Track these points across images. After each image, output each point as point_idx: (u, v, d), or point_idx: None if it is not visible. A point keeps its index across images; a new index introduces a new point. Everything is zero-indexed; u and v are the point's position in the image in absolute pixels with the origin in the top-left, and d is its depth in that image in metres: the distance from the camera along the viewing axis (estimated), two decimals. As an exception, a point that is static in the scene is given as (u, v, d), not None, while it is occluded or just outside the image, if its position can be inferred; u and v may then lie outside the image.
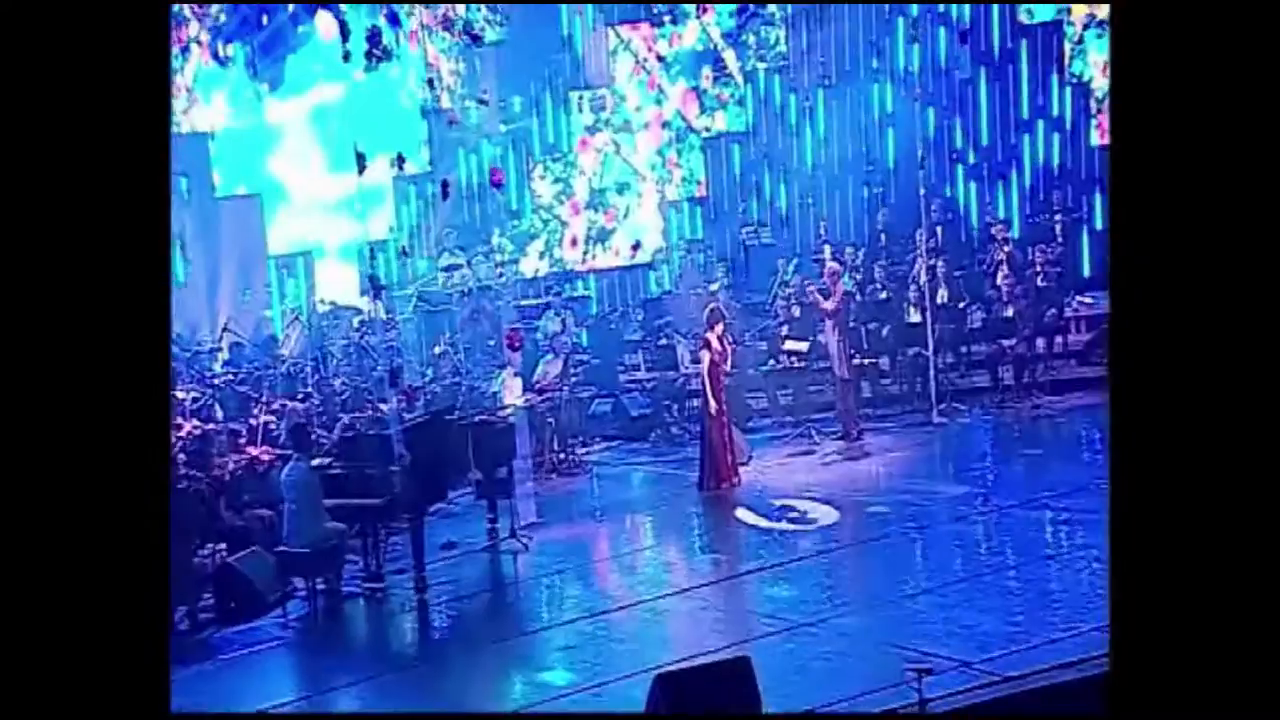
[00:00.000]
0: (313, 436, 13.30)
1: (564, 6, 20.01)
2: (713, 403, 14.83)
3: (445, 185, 15.49)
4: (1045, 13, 20.16)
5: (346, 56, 13.36)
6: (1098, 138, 20.06)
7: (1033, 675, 9.14)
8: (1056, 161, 20.42)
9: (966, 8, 20.26)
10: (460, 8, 19.28)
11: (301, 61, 18.57)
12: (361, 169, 13.37)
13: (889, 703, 8.49)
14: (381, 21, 16.09)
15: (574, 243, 20.56)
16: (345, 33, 13.28)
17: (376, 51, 13.10)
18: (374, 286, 15.25)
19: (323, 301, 18.97)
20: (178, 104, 18.93)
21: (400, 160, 14.72)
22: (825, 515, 13.68)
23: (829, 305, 16.17)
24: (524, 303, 18.74)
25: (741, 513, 14.02)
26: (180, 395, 14.65)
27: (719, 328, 15.02)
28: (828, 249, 18.82)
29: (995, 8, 20.28)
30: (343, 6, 18.02)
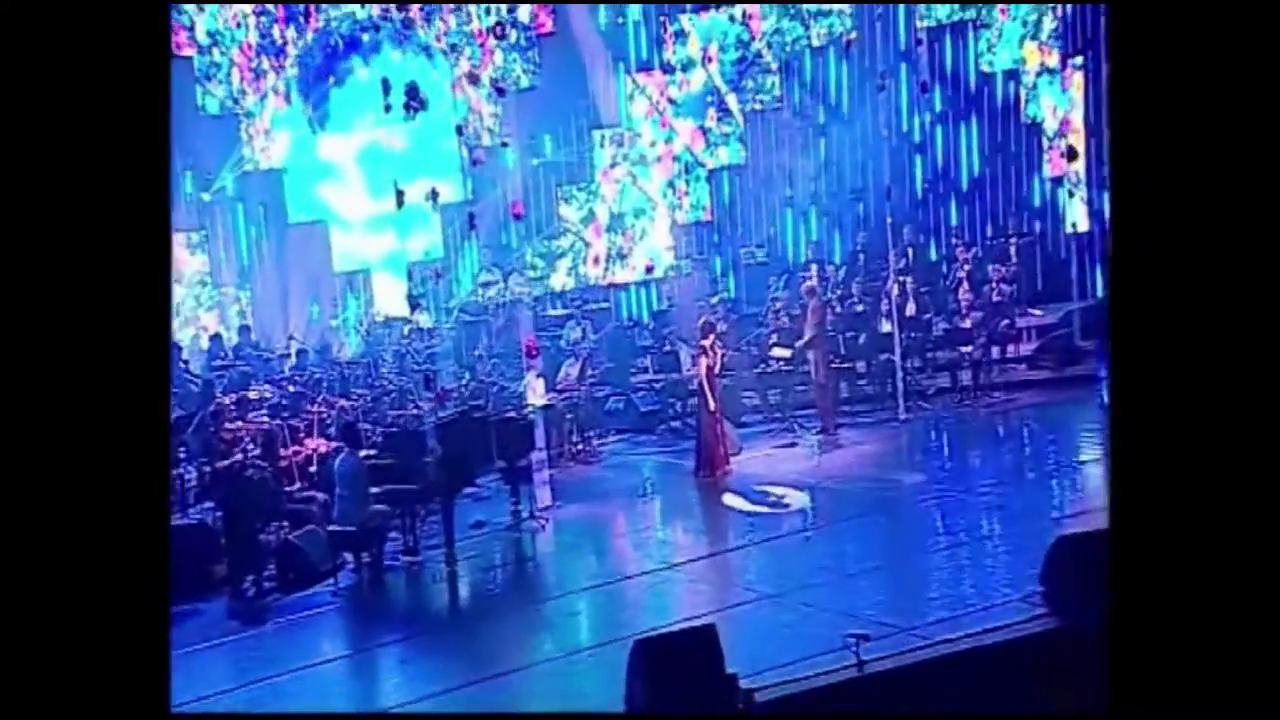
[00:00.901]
0: (362, 431, 13.53)
1: (587, 58, 20.20)
2: (710, 401, 15.00)
3: (472, 217, 15.76)
4: (1003, 63, 20.24)
5: (388, 109, 13.69)
6: (1049, 170, 20.13)
7: (963, 638, 9.13)
8: (1013, 191, 20.44)
9: (934, 59, 20.35)
10: (497, 59, 19.55)
11: (351, 101, 18.93)
12: (400, 203, 13.68)
13: (831, 665, 8.59)
14: (423, 61, 16.32)
15: (596, 261, 20.80)
16: (387, 88, 13.64)
17: (414, 104, 13.40)
18: (412, 302, 15.52)
19: (378, 313, 19.29)
20: (257, 143, 19.39)
21: (434, 194, 15.00)
22: (800, 499, 13.81)
23: (806, 338, 16.39)
24: (551, 313, 18.97)
25: (729, 497, 14.16)
26: (253, 395, 14.97)
27: (711, 336, 15.20)
28: (814, 268, 18.96)
29: (960, 59, 20.30)
30: (393, 55, 18.37)
